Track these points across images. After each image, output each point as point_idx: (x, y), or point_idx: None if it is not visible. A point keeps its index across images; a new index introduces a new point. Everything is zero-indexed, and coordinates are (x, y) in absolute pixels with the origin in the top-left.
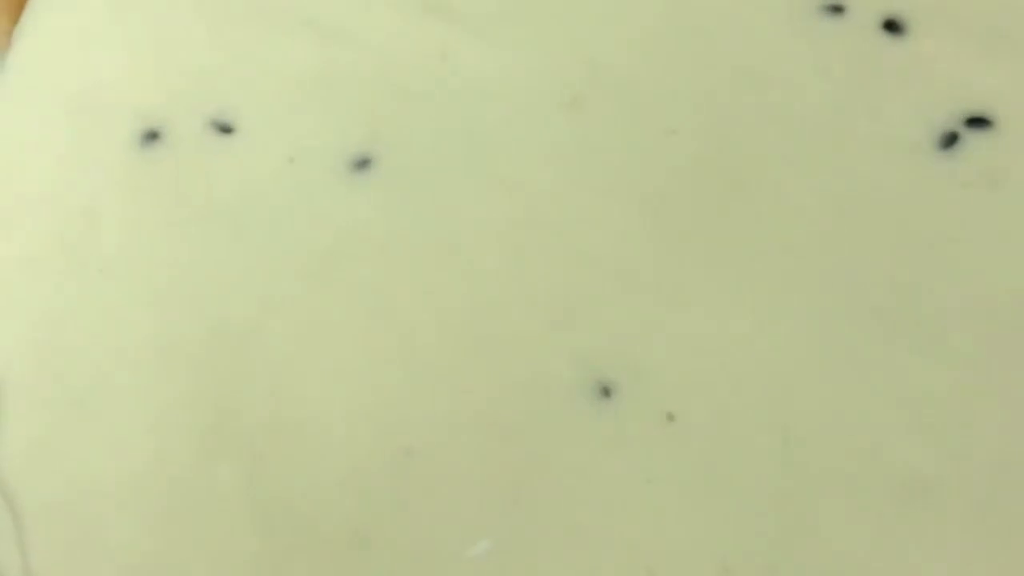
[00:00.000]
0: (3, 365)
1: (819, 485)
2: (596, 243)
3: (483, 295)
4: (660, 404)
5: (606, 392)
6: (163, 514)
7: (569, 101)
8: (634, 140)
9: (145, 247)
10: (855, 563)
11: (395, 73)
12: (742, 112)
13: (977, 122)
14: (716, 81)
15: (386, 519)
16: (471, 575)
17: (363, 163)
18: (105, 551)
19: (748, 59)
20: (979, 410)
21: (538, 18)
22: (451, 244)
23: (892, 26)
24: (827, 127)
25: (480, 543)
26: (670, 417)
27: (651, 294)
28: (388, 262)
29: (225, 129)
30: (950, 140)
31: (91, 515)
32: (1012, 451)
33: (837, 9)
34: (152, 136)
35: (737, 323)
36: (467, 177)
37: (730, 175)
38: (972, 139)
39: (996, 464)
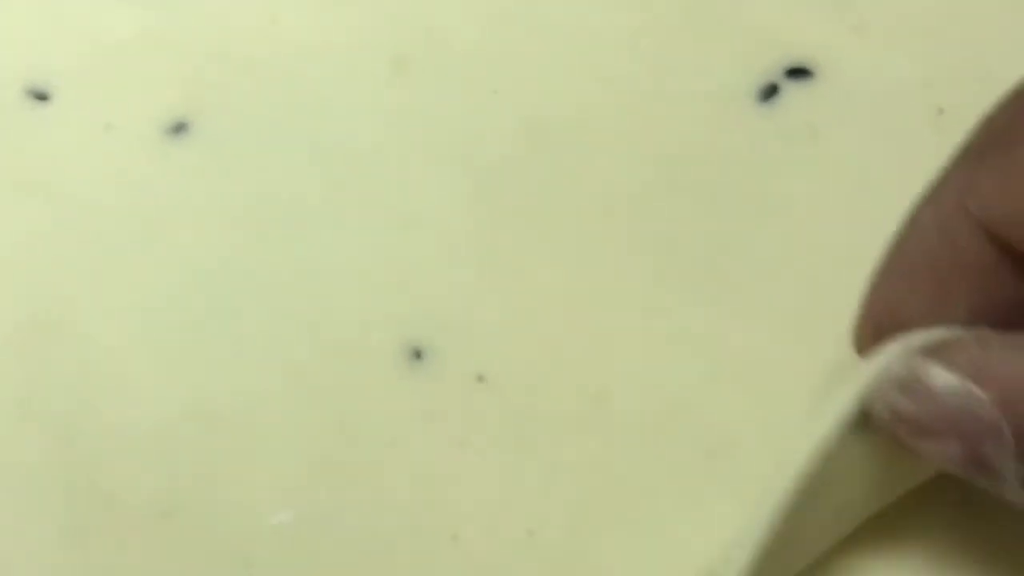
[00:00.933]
0: None
1: (627, 445)
2: (415, 206)
3: (299, 259)
4: (471, 366)
5: (417, 354)
6: None
7: (394, 63)
8: (458, 101)
9: None
10: (660, 523)
11: (220, 37)
12: (559, 70)
13: (798, 72)
14: (537, 41)
15: (191, 490)
16: (273, 544)
17: (179, 128)
18: None
19: (567, 19)
20: (788, 368)
21: None
22: (269, 210)
23: None
24: (644, 80)
25: (284, 512)
26: (480, 378)
27: (468, 257)
28: (204, 232)
29: (40, 96)
30: (770, 91)
31: None
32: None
33: None
34: None
35: (550, 284)
36: (287, 142)
37: (544, 133)
38: (792, 90)
39: (801, 418)
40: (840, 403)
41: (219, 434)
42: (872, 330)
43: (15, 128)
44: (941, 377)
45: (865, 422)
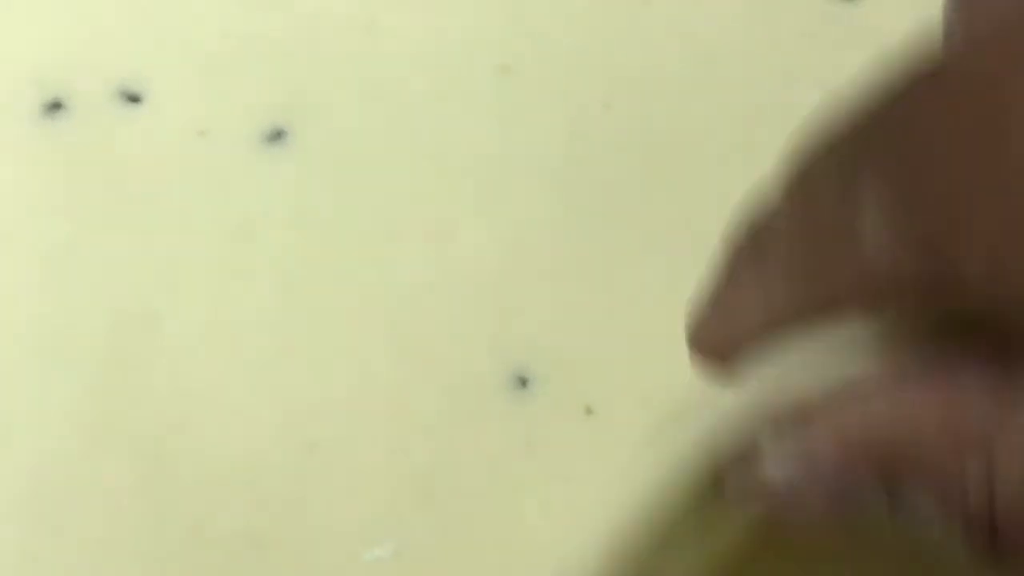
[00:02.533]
0: None
1: None
2: (521, 222)
3: (399, 278)
4: (578, 396)
5: (523, 383)
6: (46, 505)
7: (499, 69)
8: (565, 112)
9: (43, 225)
10: None
11: (318, 41)
12: (680, 83)
13: None
14: (654, 51)
15: (283, 519)
16: None
17: (277, 135)
18: None
19: (688, 27)
20: None
21: None
22: (367, 223)
23: None
24: (769, 97)
25: (382, 545)
26: (588, 410)
27: (574, 278)
28: (300, 243)
29: (133, 98)
30: None
31: None
32: None
33: None
34: (55, 106)
35: (667, 315)
36: (387, 150)
37: (665, 150)
38: None
39: None
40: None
41: (314, 461)
42: (709, 333)
43: (107, 130)
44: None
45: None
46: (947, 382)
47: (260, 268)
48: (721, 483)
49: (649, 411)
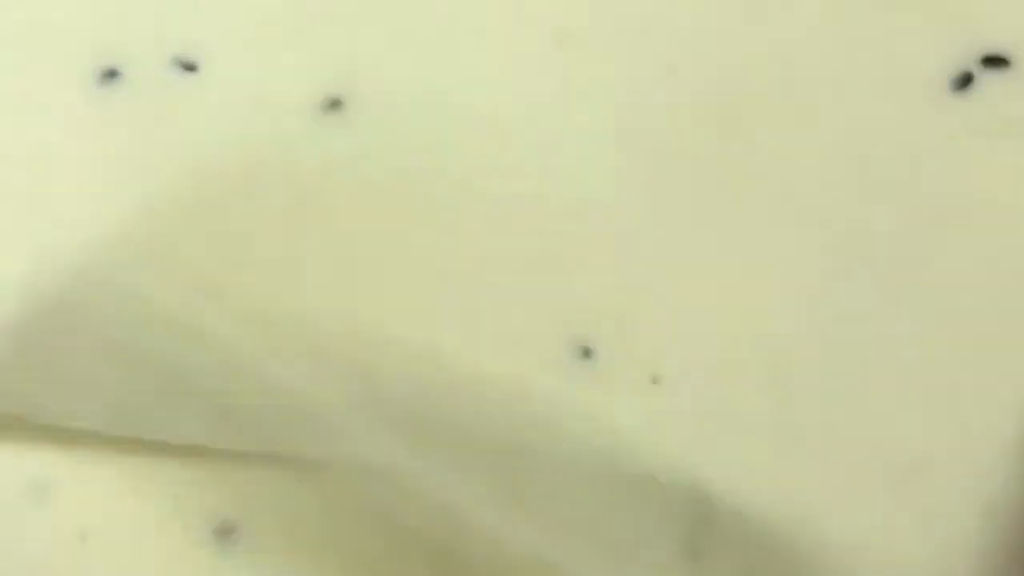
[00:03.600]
0: None
1: (816, 457)
2: (583, 190)
3: (461, 247)
4: (645, 366)
5: (586, 353)
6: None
7: (556, 36)
8: (628, 79)
9: (101, 196)
10: (854, 544)
11: (373, 9)
12: (746, 50)
13: (995, 62)
14: (718, 14)
15: None
16: None
17: (335, 104)
18: None
19: None
20: (992, 388)
21: None
22: (428, 192)
23: None
24: (834, 65)
25: None
26: (655, 380)
27: (641, 246)
28: (357, 211)
29: (189, 67)
30: (964, 81)
31: None
32: (1012, 425)
33: None
34: (111, 74)
35: (730, 278)
36: (443, 120)
37: (731, 118)
38: (988, 81)
39: (998, 439)
40: None
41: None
42: None
43: (163, 99)
44: None
45: None
46: None
47: (318, 236)
48: None
49: (716, 380)
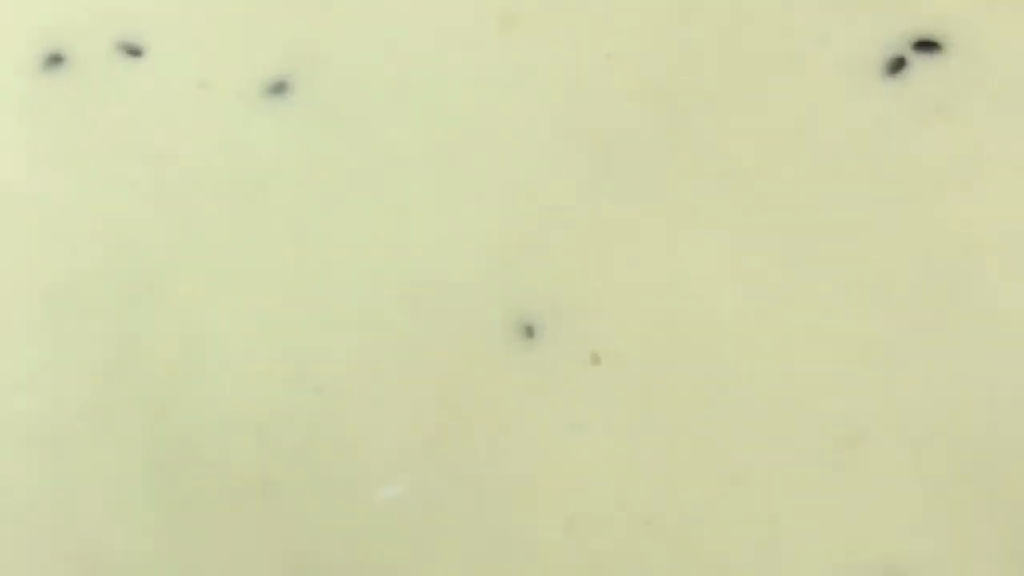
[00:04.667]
0: None
1: (750, 431)
2: (525, 172)
3: (405, 228)
4: (585, 345)
5: (529, 332)
6: (60, 454)
7: (503, 20)
8: (569, 63)
9: (47, 179)
10: (784, 514)
11: None
12: (682, 35)
13: (926, 46)
14: (660, 4)
15: (294, 463)
16: (380, 519)
17: (280, 87)
18: None
19: None
20: (920, 356)
21: None
22: (374, 173)
23: None
24: (770, 51)
25: (391, 487)
26: (595, 358)
27: (581, 229)
28: (306, 193)
29: (133, 51)
30: (897, 65)
31: None
32: (952, 398)
33: None
34: (55, 60)
35: (669, 260)
36: (391, 102)
37: (670, 102)
38: (920, 64)
39: (935, 414)
40: None
41: (323, 403)
42: None
43: (108, 84)
44: None
45: None
46: None
47: (266, 218)
48: None
49: (654, 359)
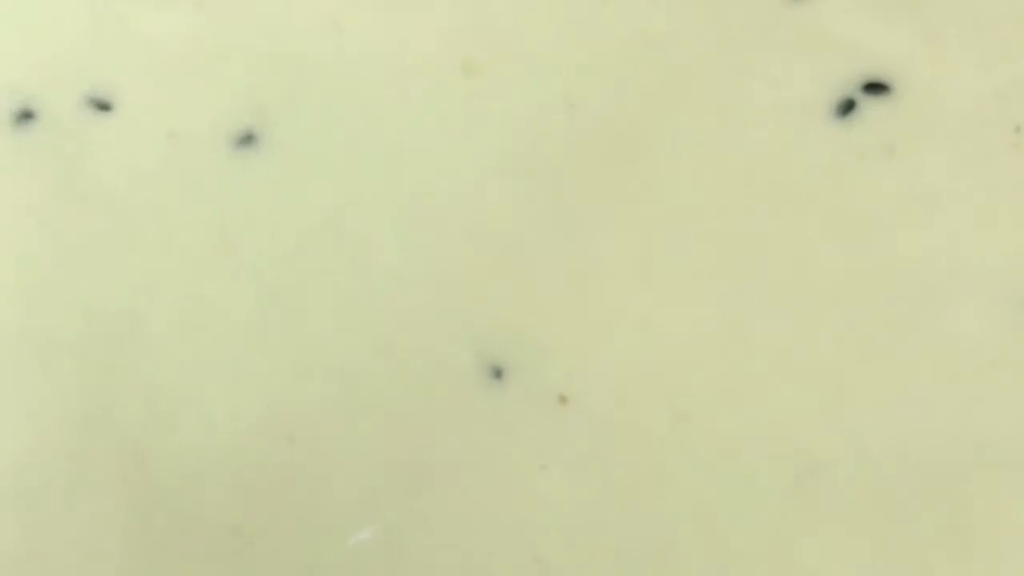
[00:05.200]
0: None
1: (712, 467)
2: (490, 218)
3: (372, 274)
4: (552, 386)
5: (497, 374)
6: (34, 509)
7: (464, 68)
8: (530, 109)
9: (19, 233)
10: (748, 547)
11: (283, 42)
12: (640, 80)
13: (875, 88)
14: (615, 48)
15: (267, 509)
16: (353, 564)
17: (248, 139)
18: None
19: (647, 25)
20: (874, 389)
21: None
22: (340, 222)
23: None
24: (725, 94)
25: (362, 531)
26: (562, 399)
27: (545, 272)
28: (274, 242)
29: (102, 106)
30: (847, 107)
31: None
32: (905, 430)
33: None
34: (25, 116)
35: (632, 301)
36: (357, 150)
37: (628, 147)
38: (869, 106)
39: (890, 445)
40: None
41: (294, 451)
42: None
43: (78, 138)
44: None
45: None
46: None
47: (236, 268)
48: None
49: (619, 399)
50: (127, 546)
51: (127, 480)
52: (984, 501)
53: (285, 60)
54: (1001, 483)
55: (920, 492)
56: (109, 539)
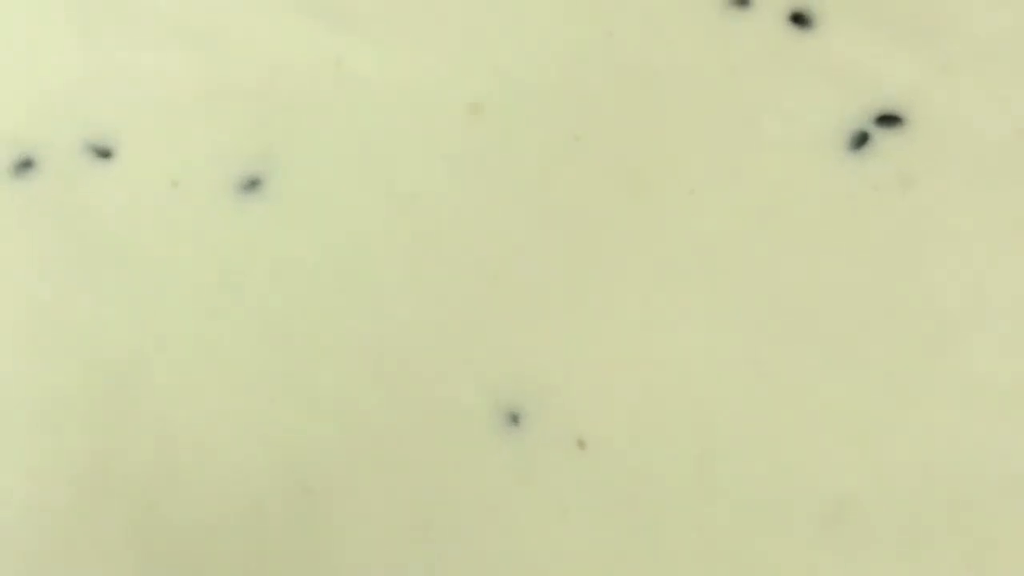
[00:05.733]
0: None
1: (737, 509)
2: (500, 258)
3: (382, 319)
4: (570, 430)
5: (514, 419)
6: (42, 562)
7: (469, 108)
8: (537, 148)
9: (22, 283)
10: None
11: (286, 84)
12: (648, 115)
13: (888, 120)
14: (621, 83)
15: (282, 562)
16: None
17: (253, 183)
18: None
19: (653, 59)
20: (897, 424)
21: (436, 23)
22: (348, 265)
23: (799, 19)
24: (735, 127)
25: None
26: (581, 444)
27: (558, 311)
28: (282, 287)
29: (103, 153)
30: (861, 140)
31: None
32: (934, 466)
33: (743, 2)
34: (26, 164)
35: (649, 340)
36: (364, 192)
37: (638, 182)
38: (883, 138)
39: (915, 480)
40: None
41: (311, 503)
42: None
43: (79, 186)
44: None
45: None
46: None
47: (243, 314)
48: None
49: (639, 442)
50: None
51: (137, 534)
52: (1008, 533)
53: (288, 102)
54: None
55: (946, 527)
56: None
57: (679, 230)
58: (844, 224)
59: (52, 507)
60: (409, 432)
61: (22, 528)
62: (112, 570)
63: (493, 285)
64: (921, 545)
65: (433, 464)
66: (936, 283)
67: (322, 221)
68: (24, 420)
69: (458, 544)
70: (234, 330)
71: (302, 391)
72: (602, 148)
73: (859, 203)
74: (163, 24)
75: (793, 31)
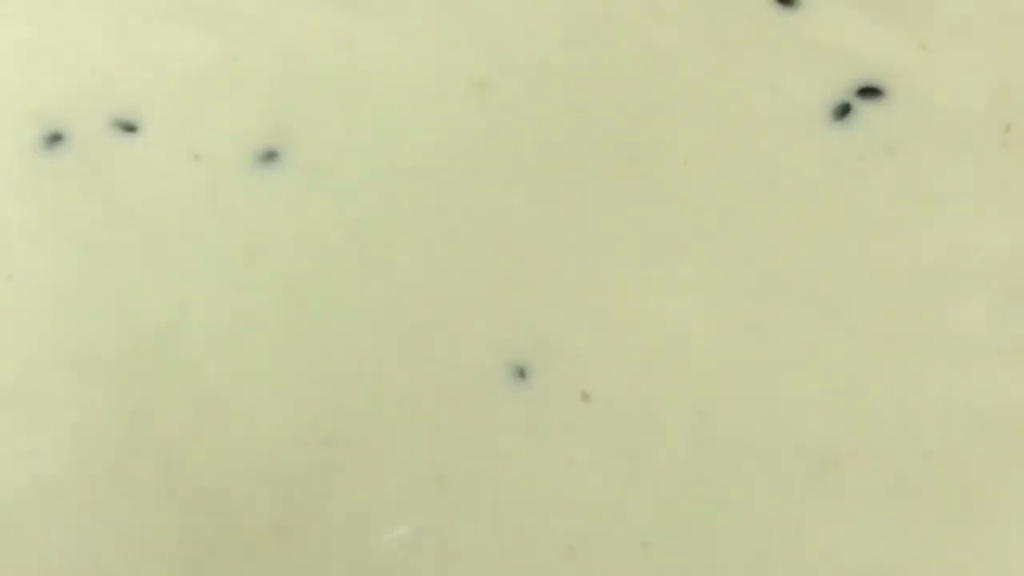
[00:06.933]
0: None
1: (735, 459)
2: (507, 225)
3: (396, 283)
4: (575, 384)
5: (521, 374)
6: (82, 515)
7: (475, 84)
8: (540, 121)
9: (53, 253)
10: (772, 536)
11: (300, 63)
12: (645, 90)
13: (870, 92)
14: (619, 60)
15: (306, 509)
16: (390, 560)
17: (270, 156)
18: (22, 556)
19: (649, 37)
20: (885, 380)
21: (442, 5)
22: (362, 233)
23: None
24: (726, 101)
25: (399, 528)
26: (585, 396)
27: (563, 275)
28: (301, 255)
29: (128, 128)
30: (843, 111)
31: (7, 522)
32: (918, 416)
33: None
34: (55, 139)
35: (648, 300)
36: (375, 164)
37: (635, 152)
38: (865, 109)
39: (903, 433)
40: None
41: (331, 454)
42: None
43: (105, 159)
44: None
45: None
46: None
47: (264, 280)
48: None
49: (641, 394)
50: (171, 549)
51: (171, 486)
52: (991, 482)
53: (303, 79)
54: (1007, 466)
55: (932, 477)
56: (155, 543)
57: (675, 198)
58: (831, 190)
59: (90, 464)
60: (424, 388)
61: (63, 483)
62: (148, 521)
63: (501, 251)
64: (906, 491)
65: (447, 417)
66: (919, 244)
67: (336, 191)
68: (61, 383)
69: (470, 491)
70: (256, 295)
71: (322, 351)
72: (601, 121)
73: (845, 170)
74: (186, 6)
75: (780, 10)
